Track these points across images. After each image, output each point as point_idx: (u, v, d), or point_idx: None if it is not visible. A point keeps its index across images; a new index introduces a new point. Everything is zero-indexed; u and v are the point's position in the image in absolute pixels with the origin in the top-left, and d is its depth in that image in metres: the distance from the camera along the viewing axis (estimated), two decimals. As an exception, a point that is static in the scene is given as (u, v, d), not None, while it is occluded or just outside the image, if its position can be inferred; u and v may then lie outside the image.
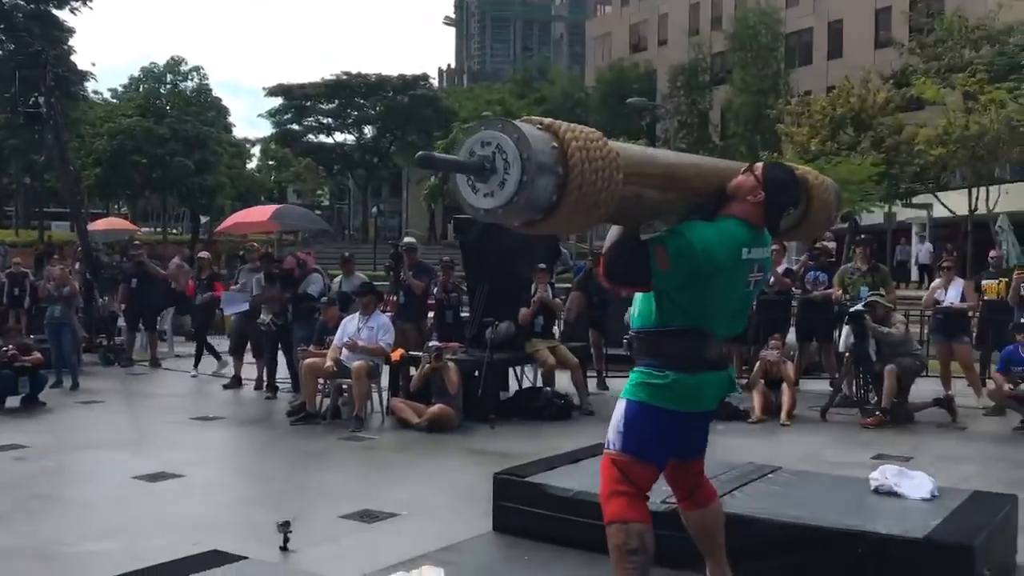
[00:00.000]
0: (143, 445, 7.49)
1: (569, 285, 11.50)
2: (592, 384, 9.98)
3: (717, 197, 3.33)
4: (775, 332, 9.13)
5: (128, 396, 10.42)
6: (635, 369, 3.37)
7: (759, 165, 3.42)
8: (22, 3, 22.08)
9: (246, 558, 3.84)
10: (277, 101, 50.60)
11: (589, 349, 10.33)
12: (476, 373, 8.46)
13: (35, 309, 14.20)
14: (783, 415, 8.39)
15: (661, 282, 3.19)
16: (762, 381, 8.62)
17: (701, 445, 3.57)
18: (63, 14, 23.00)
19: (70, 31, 23.15)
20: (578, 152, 2.78)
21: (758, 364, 8.73)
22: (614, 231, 3.28)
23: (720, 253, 3.17)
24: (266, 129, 59.36)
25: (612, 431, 3.36)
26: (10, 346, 9.13)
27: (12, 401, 9.02)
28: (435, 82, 63.89)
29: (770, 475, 4.93)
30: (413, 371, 8.50)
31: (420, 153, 2.93)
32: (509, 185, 2.74)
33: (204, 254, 13.17)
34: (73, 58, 23.64)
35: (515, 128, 2.76)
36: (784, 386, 8.60)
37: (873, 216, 30.25)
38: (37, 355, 9.35)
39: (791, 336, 10.14)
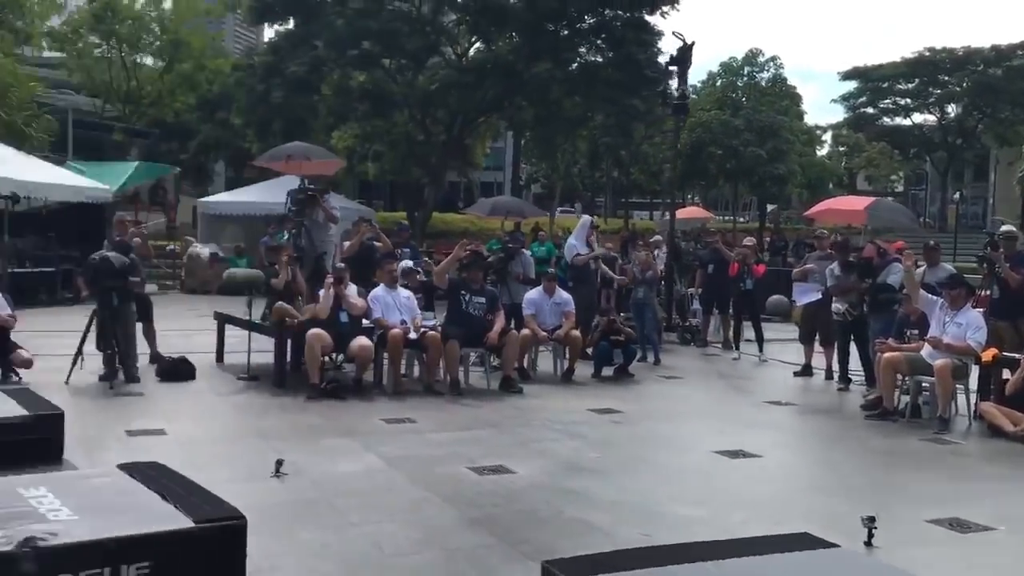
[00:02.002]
0: (720, 422, 7.88)
1: None
2: None
3: None
4: None
5: (704, 375, 11.03)
6: None
7: None
8: (620, 13, 24.45)
9: (838, 546, 3.82)
10: (851, 85, 49.01)
11: None
12: (1091, 383, 7.32)
13: (623, 291, 15.79)
14: None
15: None
16: None
17: None
18: (653, 18, 25.02)
19: (659, 34, 25.05)
20: None
21: None
22: None
23: None
24: (838, 114, 57.91)
25: None
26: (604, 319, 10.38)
27: (607, 371, 10.13)
28: (1036, 49, 56.10)
29: None
30: (1008, 374, 7.65)
31: None
32: None
33: (749, 241, 13.53)
34: (660, 59, 25.58)
35: None
36: None
37: None
38: (629, 331, 10.39)
39: None
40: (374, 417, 7.41)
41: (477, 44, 27.20)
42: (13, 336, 8.50)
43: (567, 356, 9.84)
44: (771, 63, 45.33)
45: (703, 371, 11.34)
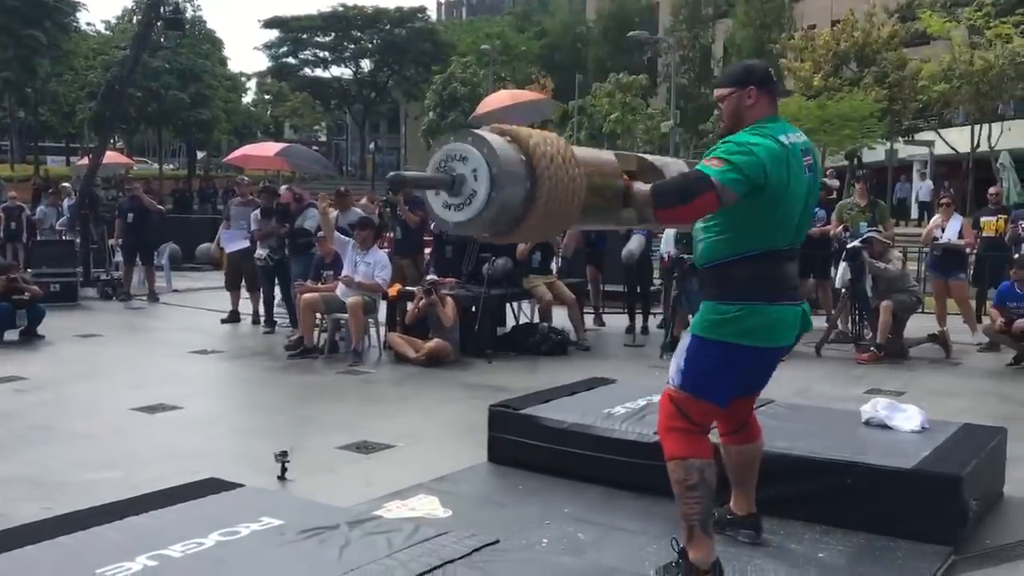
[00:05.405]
0: (141, 378, 7.52)
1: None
2: (589, 320, 10.03)
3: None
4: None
5: (126, 330, 10.46)
6: (703, 302, 3.24)
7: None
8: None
9: (243, 485, 3.89)
10: (273, 34, 49.86)
11: (586, 285, 10.36)
12: (473, 308, 8.49)
13: (32, 243, 14.22)
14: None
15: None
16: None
17: (765, 381, 3.46)
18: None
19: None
20: (543, 161, 2.78)
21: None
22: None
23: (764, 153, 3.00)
24: (262, 63, 58.62)
25: (673, 366, 3.26)
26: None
27: (11, 335, 9.05)
28: (433, 15, 62.84)
29: (763, 408, 4.96)
30: (411, 306, 8.52)
31: (391, 174, 2.97)
32: (477, 200, 2.73)
33: None
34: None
35: (484, 142, 2.73)
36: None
37: (875, 153, 30.00)
38: (35, 288, 9.37)
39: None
40: None
41: None
42: None
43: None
44: (188, 3, 43.95)
45: (126, 326, 10.74)
